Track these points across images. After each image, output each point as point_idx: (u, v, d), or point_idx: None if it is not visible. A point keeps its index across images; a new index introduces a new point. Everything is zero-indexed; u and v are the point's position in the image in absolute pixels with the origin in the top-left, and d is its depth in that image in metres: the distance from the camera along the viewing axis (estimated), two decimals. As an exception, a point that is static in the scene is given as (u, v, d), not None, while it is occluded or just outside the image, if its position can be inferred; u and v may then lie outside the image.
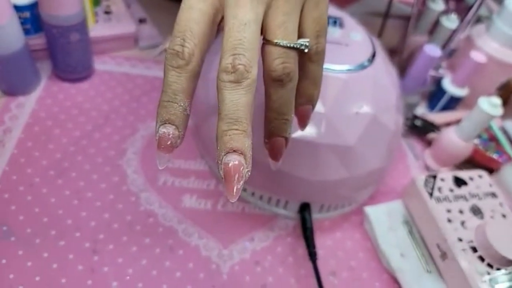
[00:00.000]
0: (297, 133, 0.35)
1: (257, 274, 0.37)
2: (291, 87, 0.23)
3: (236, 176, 0.20)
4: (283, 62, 0.22)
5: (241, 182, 0.20)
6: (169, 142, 0.21)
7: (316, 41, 0.24)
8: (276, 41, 0.22)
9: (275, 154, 0.25)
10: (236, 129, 0.20)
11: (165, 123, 0.21)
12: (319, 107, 0.35)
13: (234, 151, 0.20)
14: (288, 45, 0.22)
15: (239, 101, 0.20)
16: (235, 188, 0.20)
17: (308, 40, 0.24)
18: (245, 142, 0.20)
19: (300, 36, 0.24)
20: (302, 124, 0.28)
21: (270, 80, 0.22)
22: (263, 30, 0.22)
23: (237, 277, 0.36)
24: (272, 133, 0.24)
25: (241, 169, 0.20)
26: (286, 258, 0.38)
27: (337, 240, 0.41)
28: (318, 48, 0.24)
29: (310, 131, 0.35)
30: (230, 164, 0.20)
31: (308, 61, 0.25)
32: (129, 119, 0.46)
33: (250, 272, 0.37)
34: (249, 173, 0.21)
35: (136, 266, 0.35)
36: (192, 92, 0.22)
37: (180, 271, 0.36)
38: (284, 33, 0.22)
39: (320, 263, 0.38)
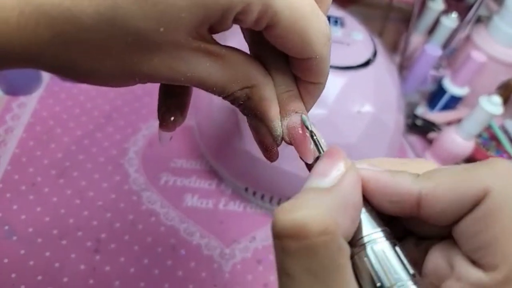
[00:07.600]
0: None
1: (259, 273, 0.37)
2: None
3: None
4: None
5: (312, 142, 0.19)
6: (171, 120, 0.21)
7: None
8: None
9: None
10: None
11: None
12: (320, 107, 0.35)
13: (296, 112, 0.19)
14: None
15: None
16: (307, 148, 0.19)
17: None
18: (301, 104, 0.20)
19: None
20: None
21: None
22: None
23: (239, 276, 0.36)
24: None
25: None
26: (287, 257, 0.38)
27: (338, 239, 0.41)
28: None
29: (312, 129, 0.35)
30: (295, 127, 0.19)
31: None
32: (131, 118, 0.46)
33: (252, 271, 0.37)
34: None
35: (138, 265, 0.35)
36: None
37: (182, 270, 0.36)
38: None
39: (321, 262, 0.38)
